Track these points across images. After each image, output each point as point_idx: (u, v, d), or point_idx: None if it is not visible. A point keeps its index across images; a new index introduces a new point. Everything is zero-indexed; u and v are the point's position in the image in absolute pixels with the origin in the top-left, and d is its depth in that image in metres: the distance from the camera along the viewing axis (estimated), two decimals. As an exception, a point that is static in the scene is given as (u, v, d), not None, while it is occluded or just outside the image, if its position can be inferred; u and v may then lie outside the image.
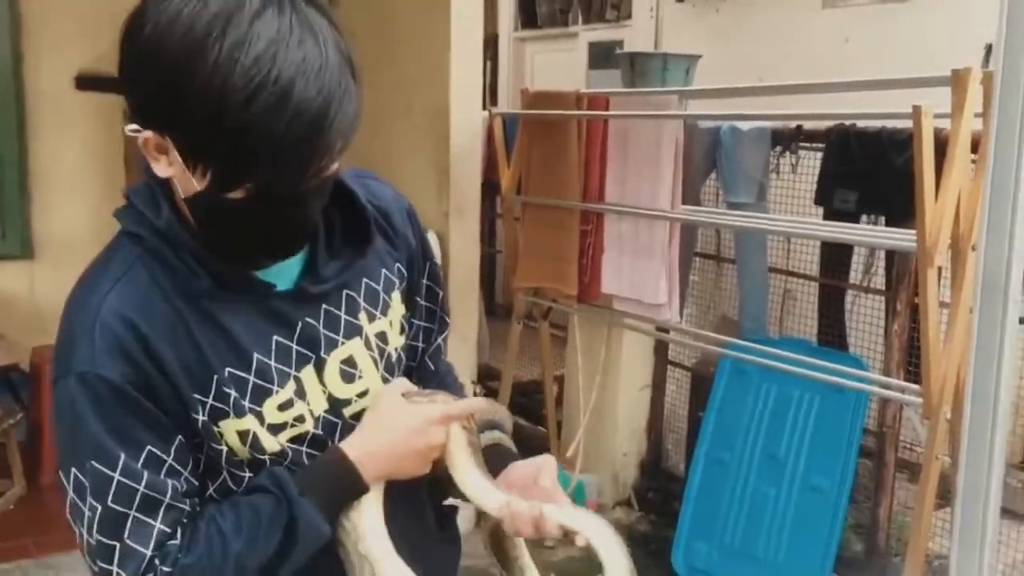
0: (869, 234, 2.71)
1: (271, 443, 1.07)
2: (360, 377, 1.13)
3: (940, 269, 2.22)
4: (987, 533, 1.38)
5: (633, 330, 3.55)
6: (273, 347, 1.06)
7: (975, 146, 2.14)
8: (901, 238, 2.36)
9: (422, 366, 1.29)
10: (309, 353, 1.09)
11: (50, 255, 4.69)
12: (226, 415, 1.04)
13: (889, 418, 2.88)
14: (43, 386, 3.99)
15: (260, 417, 1.06)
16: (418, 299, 1.26)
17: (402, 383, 1.15)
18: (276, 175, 0.94)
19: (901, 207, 2.76)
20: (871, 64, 3.81)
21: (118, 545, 0.99)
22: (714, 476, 3.23)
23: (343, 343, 1.12)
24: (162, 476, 1.00)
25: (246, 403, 1.04)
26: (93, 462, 0.98)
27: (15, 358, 4.15)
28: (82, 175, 4.74)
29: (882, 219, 2.93)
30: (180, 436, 1.02)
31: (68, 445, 1.01)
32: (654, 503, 3.82)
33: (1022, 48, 1.17)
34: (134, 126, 0.95)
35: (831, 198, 2.95)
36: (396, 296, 1.20)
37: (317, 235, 1.10)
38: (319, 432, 1.10)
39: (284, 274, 1.09)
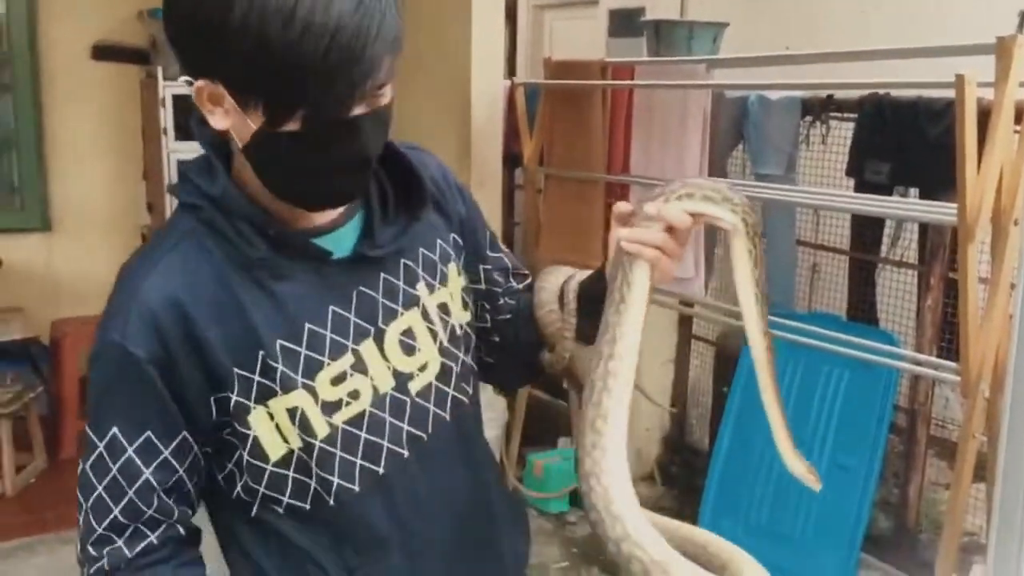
0: (905, 207, 2.64)
1: (321, 425, 1.04)
2: (419, 350, 1.11)
3: (979, 244, 2.15)
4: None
5: (657, 304, 3.50)
6: (329, 317, 1.05)
7: (1019, 116, 2.07)
8: (940, 211, 2.29)
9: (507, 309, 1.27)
10: (368, 325, 1.07)
11: (68, 227, 4.67)
12: (273, 393, 1.01)
13: (921, 395, 2.82)
14: (63, 359, 3.98)
15: (313, 392, 1.03)
16: (487, 267, 1.25)
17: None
18: (324, 96, 0.92)
19: (936, 179, 2.69)
20: (896, 33, 3.71)
21: (84, 506, 1.01)
22: (739, 452, 3.18)
23: (402, 314, 1.10)
24: (147, 466, 0.99)
25: (297, 377, 1.02)
26: (90, 426, 1.00)
27: (34, 331, 4.15)
28: (99, 147, 4.72)
29: (913, 191, 2.86)
30: (186, 434, 1.01)
31: (88, 404, 1.03)
32: (678, 478, 3.78)
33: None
34: (186, 78, 0.97)
35: (863, 169, 2.88)
36: (453, 268, 1.18)
37: (371, 201, 1.09)
38: (376, 411, 1.07)
39: (340, 243, 1.07)
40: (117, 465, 0.99)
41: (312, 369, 1.03)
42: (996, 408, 2.14)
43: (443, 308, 1.14)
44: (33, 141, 4.52)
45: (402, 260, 1.11)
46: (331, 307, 1.05)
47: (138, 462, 0.99)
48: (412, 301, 1.11)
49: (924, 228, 2.87)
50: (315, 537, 1.07)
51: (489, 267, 1.26)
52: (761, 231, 1.06)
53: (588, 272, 1.20)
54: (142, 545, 1.01)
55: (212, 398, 1.01)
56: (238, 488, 1.07)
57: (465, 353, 1.18)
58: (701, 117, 2.99)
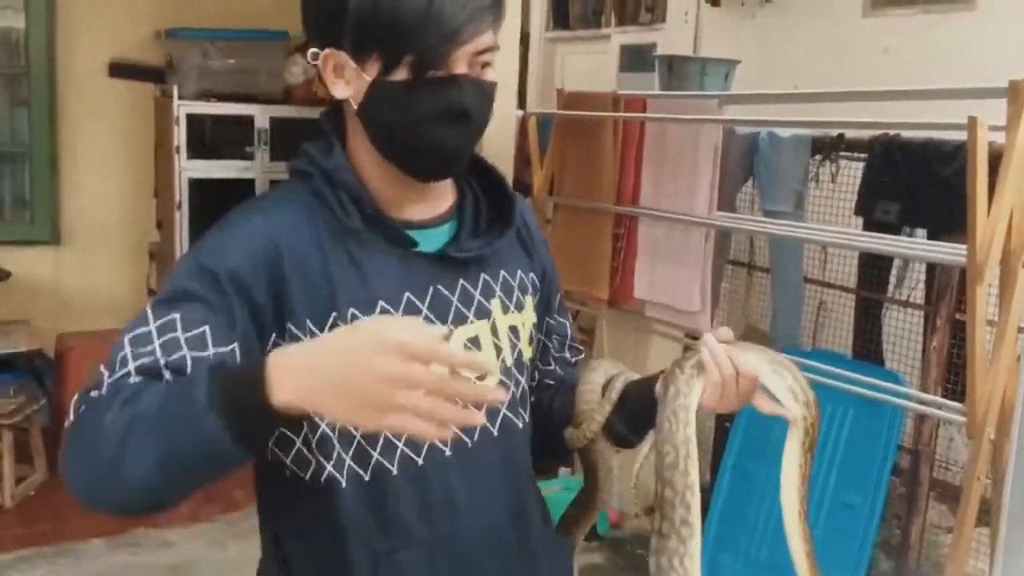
0: (913, 247, 2.65)
1: None
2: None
3: (988, 286, 2.16)
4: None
5: (663, 336, 3.51)
6: (403, 302, 1.09)
7: (1029, 160, 2.08)
8: (949, 252, 2.30)
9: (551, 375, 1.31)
10: (437, 322, 1.10)
11: (77, 242, 4.70)
12: None
13: (925, 436, 2.81)
14: (67, 373, 3.99)
15: None
16: (552, 322, 1.30)
17: (415, 321, 0.96)
18: (427, 44, 1.02)
19: (944, 220, 2.71)
20: (909, 75, 3.74)
21: (103, 365, 0.98)
22: (741, 487, 3.17)
23: (472, 322, 1.14)
24: (189, 349, 0.97)
25: None
26: (151, 308, 1.00)
27: (40, 344, 4.15)
28: (112, 163, 4.76)
29: (921, 232, 2.88)
30: (236, 345, 1.01)
31: (156, 296, 1.04)
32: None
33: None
34: (313, 51, 1.07)
35: (872, 209, 2.90)
36: (530, 301, 1.22)
37: (464, 211, 1.17)
38: None
39: (429, 240, 1.13)
40: (161, 339, 0.97)
41: None
42: (1001, 450, 2.14)
43: (513, 331, 1.18)
44: (47, 155, 4.56)
45: (482, 274, 1.16)
46: (407, 294, 1.09)
47: (182, 340, 0.97)
48: (484, 313, 1.15)
49: (931, 269, 2.88)
50: (347, 515, 1.08)
51: (552, 325, 1.30)
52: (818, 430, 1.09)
53: (641, 376, 1.22)
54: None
55: (274, 335, 1.04)
56: (292, 454, 1.08)
57: (525, 380, 1.21)
58: (712, 152, 3.01)
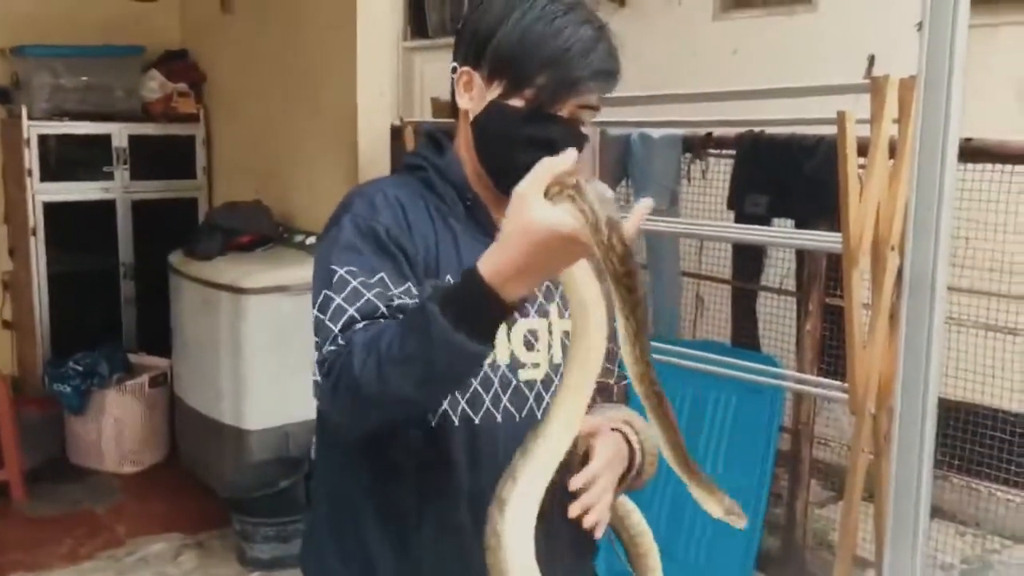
0: (791, 236, 2.79)
1: None
2: (537, 351, 1.29)
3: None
4: (919, 532, 1.41)
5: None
6: None
7: (891, 151, 2.23)
8: (824, 240, 2.43)
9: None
10: None
11: None
12: None
13: (804, 416, 2.96)
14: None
15: None
16: None
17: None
18: (548, 84, 1.22)
19: (810, 210, 2.86)
20: (759, 75, 3.93)
21: (323, 319, 1.17)
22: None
23: (533, 316, 1.30)
24: (381, 288, 1.16)
25: None
26: (326, 267, 1.20)
27: None
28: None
29: (789, 223, 3.03)
30: (410, 284, 1.19)
31: (319, 263, 1.23)
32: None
33: (942, 51, 1.22)
34: (454, 65, 1.29)
35: (743, 202, 3.03)
36: None
37: None
38: (489, 372, 1.25)
39: None
40: (357, 280, 1.17)
41: None
42: (881, 424, 2.28)
43: (566, 335, 1.30)
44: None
45: (546, 281, 1.28)
46: None
47: (372, 282, 1.17)
48: (543, 313, 1.31)
49: (800, 257, 3.04)
50: (404, 457, 1.24)
51: None
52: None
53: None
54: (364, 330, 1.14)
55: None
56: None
57: None
58: (590, 154, 3.08)
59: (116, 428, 4.16)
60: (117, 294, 4.64)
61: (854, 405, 2.27)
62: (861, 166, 2.25)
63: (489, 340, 1.06)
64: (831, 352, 2.97)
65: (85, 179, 4.46)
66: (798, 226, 2.94)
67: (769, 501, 3.07)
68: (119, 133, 4.47)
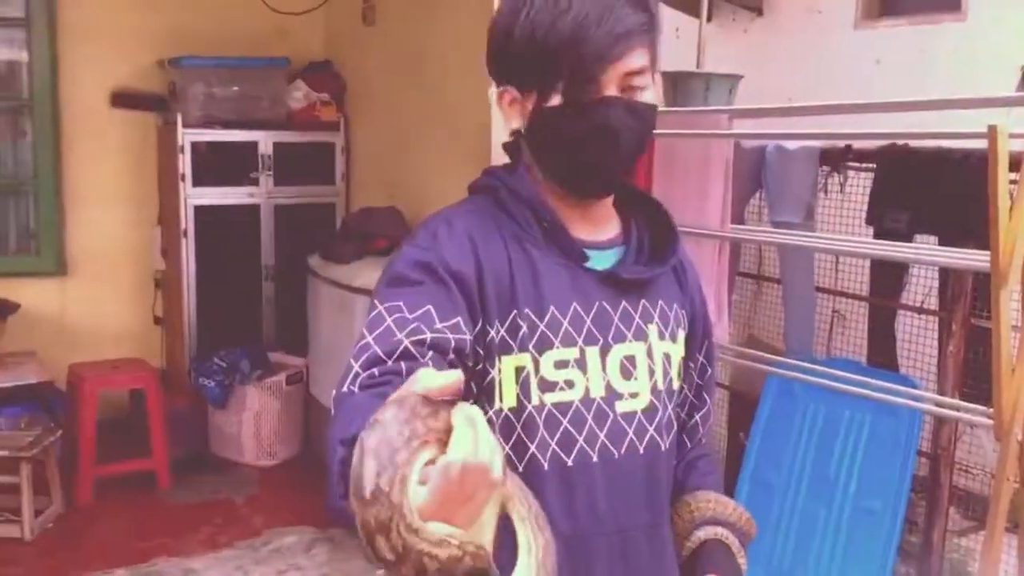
0: (935, 254, 2.69)
1: (536, 394, 1.15)
2: (635, 379, 1.20)
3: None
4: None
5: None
6: (571, 311, 1.18)
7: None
8: (969, 258, 2.34)
9: (678, 439, 1.32)
10: (598, 335, 1.18)
11: (83, 272, 4.70)
12: (510, 350, 1.15)
13: (944, 440, 2.85)
14: (81, 404, 3.98)
15: (537, 364, 1.15)
16: (691, 365, 1.32)
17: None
18: (574, 69, 1.12)
19: (955, 227, 2.75)
20: (901, 86, 3.81)
21: (352, 354, 1.07)
22: (760, 497, 3.19)
23: (630, 341, 1.20)
24: (422, 324, 1.06)
25: (530, 344, 1.15)
26: (378, 300, 1.12)
27: (48, 375, 4.14)
28: (116, 193, 4.77)
29: (932, 240, 2.92)
30: (460, 319, 1.10)
31: (379, 289, 1.15)
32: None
33: None
34: (492, 89, 1.21)
35: (882, 218, 2.94)
36: (682, 336, 1.28)
37: (631, 240, 1.25)
38: (583, 408, 1.16)
39: (598, 260, 1.22)
40: (392, 318, 1.07)
41: (544, 344, 1.15)
42: (1029, 452, 2.18)
43: (667, 358, 1.24)
44: (51, 187, 4.57)
45: (643, 300, 1.23)
46: (574, 303, 1.18)
47: (411, 317, 1.07)
48: (641, 336, 1.22)
49: (944, 275, 2.93)
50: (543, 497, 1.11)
51: (691, 367, 1.33)
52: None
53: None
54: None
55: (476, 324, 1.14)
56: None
57: (673, 407, 1.26)
58: (723, 166, 3.04)
59: (255, 423, 4.35)
60: (259, 294, 4.85)
61: (999, 431, 2.17)
62: (1012, 181, 2.16)
63: None
64: (975, 375, 2.84)
65: (232, 184, 4.67)
66: (941, 243, 2.83)
67: (904, 528, 2.97)
68: (265, 140, 4.66)
